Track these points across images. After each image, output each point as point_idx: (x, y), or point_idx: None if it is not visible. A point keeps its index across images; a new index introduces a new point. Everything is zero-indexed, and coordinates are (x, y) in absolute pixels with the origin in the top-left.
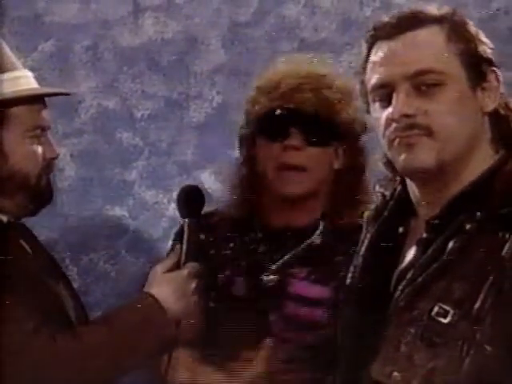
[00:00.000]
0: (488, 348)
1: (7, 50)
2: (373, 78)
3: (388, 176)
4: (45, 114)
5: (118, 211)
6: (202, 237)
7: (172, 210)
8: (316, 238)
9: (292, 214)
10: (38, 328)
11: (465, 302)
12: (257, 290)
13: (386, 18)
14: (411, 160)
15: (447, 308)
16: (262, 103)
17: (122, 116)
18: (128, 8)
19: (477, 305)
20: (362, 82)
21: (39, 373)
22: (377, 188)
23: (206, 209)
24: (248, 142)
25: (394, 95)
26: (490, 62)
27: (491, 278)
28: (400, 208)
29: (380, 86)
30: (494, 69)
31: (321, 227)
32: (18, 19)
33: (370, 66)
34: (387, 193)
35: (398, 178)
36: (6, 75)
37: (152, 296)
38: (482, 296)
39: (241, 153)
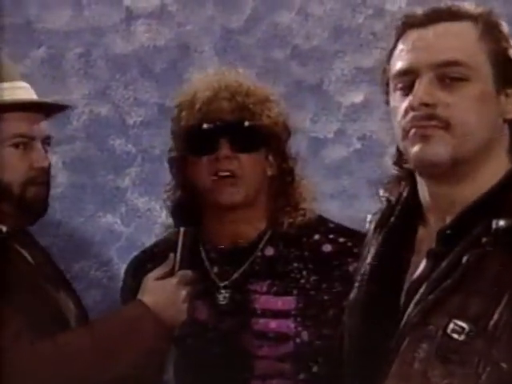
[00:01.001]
0: (504, 365)
1: (7, 62)
2: (398, 64)
3: (392, 180)
4: (36, 123)
5: (111, 218)
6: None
7: (164, 216)
8: (268, 250)
9: (237, 229)
10: (19, 333)
11: (480, 318)
12: (219, 311)
13: (419, 10)
14: (425, 151)
15: (463, 325)
16: (184, 121)
17: (115, 123)
18: (120, 15)
19: (492, 321)
20: (384, 71)
21: (19, 376)
22: (381, 193)
23: (154, 239)
24: (179, 163)
25: (417, 83)
26: None
27: (507, 293)
28: (407, 214)
29: (404, 72)
30: None
31: (268, 237)
32: (9, 26)
33: (396, 53)
34: (392, 198)
35: (404, 183)
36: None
37: (143, 303)
38: (497, 312)
39: (173, 176)
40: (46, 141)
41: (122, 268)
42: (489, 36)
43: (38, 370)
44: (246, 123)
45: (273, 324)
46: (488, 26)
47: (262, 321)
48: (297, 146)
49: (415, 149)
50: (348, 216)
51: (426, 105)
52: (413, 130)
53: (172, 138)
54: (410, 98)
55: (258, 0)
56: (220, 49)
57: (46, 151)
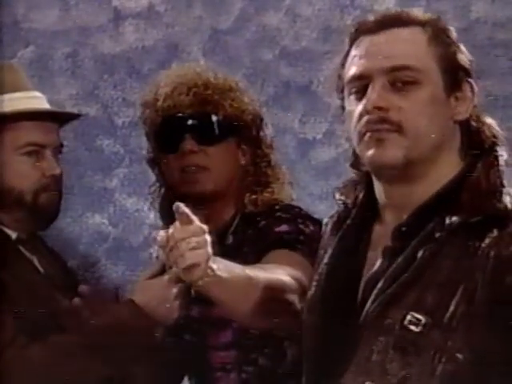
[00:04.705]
0: (460, 356)
1: (22, 71)
2: (351, 70)
3: (348, 184)
4: (48, 132)
5: (99, 219)
6: None
7: (153, 217)
8: (228, 238)
9: (207, 221)
10: (15, 337)
11: (436, 310)
12: (190, 301)
13: (371, 17)
14: (380, 155)
15: (419, 317)
16: (149, 119)
17: (103, 123)
18: (108, 15)
19: (448, 313)
20: (339, 77)
21: (12, 378)
22: (337, 196)
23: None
24: (156, 163)
25: (370, 87)
26: (466, 72)
27: (462, 286)
28: (364, 215)
29: (357, 77)
30: (470, 80)
31: (234, 225)
32: None
33: (349, 59)
34: (349, 201)
35: (359, 186)
36: (8, 96)
37: (134, 303)
38: (453, 304)
39: (156, 176)
40: (58, 149)
41: (109, 269)
42: (437, 41)
43: (29, 372)
44: (208, 115)
45: (215, 311)
46: (436, 32)
47: (207, 309)
48: (285, 146)
49: (370, 152)
50: None
51: (379, 108)
52: (368, 134)
53: (146, 139)
54: (364, 101)
55: (246, 1)
56: (208, 49)
57: (58, 159)
